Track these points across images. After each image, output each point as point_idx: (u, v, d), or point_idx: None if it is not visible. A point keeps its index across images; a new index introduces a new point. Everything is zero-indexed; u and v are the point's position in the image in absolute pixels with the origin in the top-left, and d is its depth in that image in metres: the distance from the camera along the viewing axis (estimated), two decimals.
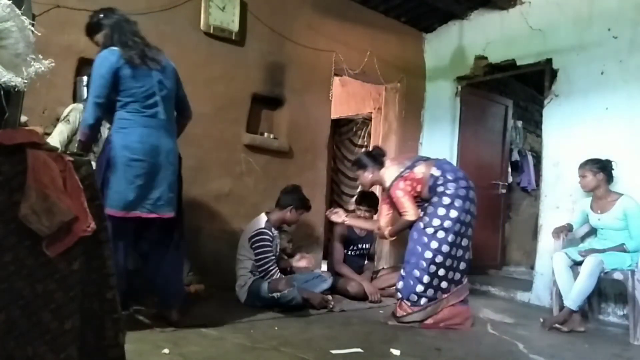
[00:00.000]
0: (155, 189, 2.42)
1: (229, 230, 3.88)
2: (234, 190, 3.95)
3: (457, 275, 3.09)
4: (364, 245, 4.12)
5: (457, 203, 3.01)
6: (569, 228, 3.65)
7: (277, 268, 3.33)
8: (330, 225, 4.89)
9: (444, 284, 3.04)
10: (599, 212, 3.48)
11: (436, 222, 3.00)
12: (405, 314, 3.04)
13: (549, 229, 3.89)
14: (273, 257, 3.33)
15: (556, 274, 3.44)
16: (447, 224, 2.99)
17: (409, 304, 3.03)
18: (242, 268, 3.36)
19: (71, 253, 1.27)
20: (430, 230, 3.00)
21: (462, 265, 3.10)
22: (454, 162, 5.02)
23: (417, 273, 3.01)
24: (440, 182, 3.08)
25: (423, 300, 3.01)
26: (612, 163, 3.49)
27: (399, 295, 3.09)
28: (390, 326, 3.04)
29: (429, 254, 2.98)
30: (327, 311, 3.29)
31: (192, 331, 2.52)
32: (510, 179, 6.10)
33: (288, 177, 4.28)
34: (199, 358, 2.13)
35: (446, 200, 3.02)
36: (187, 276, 3.63)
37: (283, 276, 3.34)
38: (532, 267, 4.42)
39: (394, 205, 3.22)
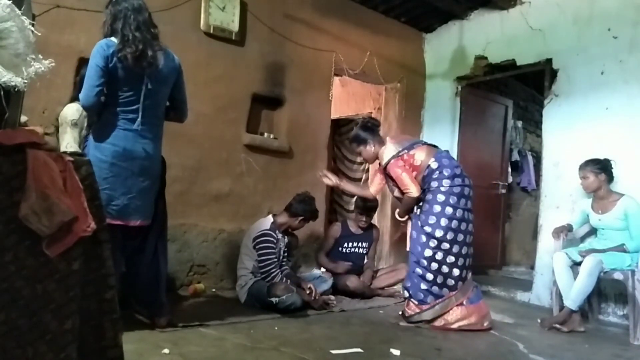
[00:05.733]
0: (123, 195, 2.32)
1: (228, 230, 3.88)
2: (234, 190, 3.94)
3: (464, 272, 3.06)
4: (360, 243, 4.12)
5: (452, 200, 3.00)
6: (569, 228, 3.65)
7: (279, 271, 3.32)
8: (329, 225, 4.90)
9: (450, 282, 3.01)
10: (599, 212, 3.48)
11: (432, 219, 3.00)
12: (413, 313, 3.03)
13: (549, 229, 3.89)
14: (276, 260, 3.32)
15: (556, 274, 3.44)
16: (443, 221, 2.98)
17: (416, 302, 3.02)
18: (243, 268, 3.36)
19: (71, 253, 1.27)
20: (427, 229, 3.00)
21: (466, 262, 3.06)
22: None
23: (419, 271, 3.01)
24: (435, 175, 3.06)
25: (430, 298, 2.99)
26: (612, 162, 3.49)
27: (407, 294, 3.07)
28: (390, 326, 3.04)
29: (428, 252, 2.99)
30: (327, 311, 3.29)
31: (192, 331, 2.52)
32: (510, 179, 6.09)
33: (288, 177, 4.28)
34: (199, 358, 2.12)
35: (440, 197, 3.01)
36: (188, 276, 3.65)
37: (284, 279, 3.33)
38: (532, 267, 4.42)
39: (388, 179, 3.23)
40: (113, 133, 2.32)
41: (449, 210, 2.99)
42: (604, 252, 3.30)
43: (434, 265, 2.99)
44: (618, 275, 3.27)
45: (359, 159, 6.06)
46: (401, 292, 3.74)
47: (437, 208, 3.00)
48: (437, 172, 3.07)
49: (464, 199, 3.05)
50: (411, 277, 3.06)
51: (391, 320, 3.18)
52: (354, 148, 3.48)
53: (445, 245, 2.99)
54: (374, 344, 2.57)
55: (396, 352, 2.42)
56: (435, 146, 3.32)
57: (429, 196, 3.06)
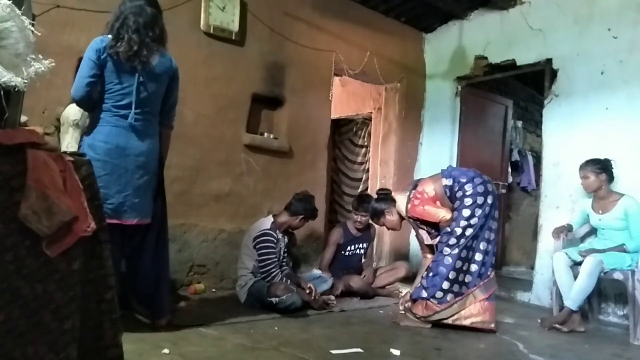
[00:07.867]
0: (117, 193, 2.29)
1: (229, 230, 3.88)
2: (234, 190, 3.94)
3: (483, 269, 3.04)
4: (361, 244, 4.12)
5: (480, 200, 3.01)
6: (569, 228, 3.65)
7: (279, 271, 3.32)
8: (330, 226, 4.90)
9: (467, 278, 3.01)
10: (600, 212, 3.48)
11: (463, 223, 2.99)
12: (432, 312, 3.01)
13: (549, 229, 3.89)
14: (276, 260, 3.32)
15: (556, 274, 3.45)
16: (473, 221, 2.99)
17: (435, 302, 3.00)
18: (243, 268, 3.36)
19: (71, 253, 1.27)
20: (458, 231, 2.99)
21: (484, 258, 3.04)
22: (454, 163, 5.03)
23: (443, 270, 2.99)
24: (456, 188, 3.09)
25: (449, 296, 2.98)
26: (612, 162, 3.49)
27: (424, 294, 3.03)
28: (390, 326, 3.04)
29: (455, 250, 2.98)
30: (327, 311, 3.29)
31: (192, 331, 2.52)
32: (510, 179, 6.09)
33: (288, 177, 4.28)
34: (199, 358, 2.13)
35: (468, 201, 3.02)
36: (188, 276, 3.65)
37: (284, 279, 3.32)
38: (532, 267, 4.42)
39: (417, 227, 3.26)
40: (105, 130, 2.31)
41: (478, 211, 2.99)
42: (604, 252, 3.30)
43: (459, 263, 2.98)
44: (618, 275, 3.27)
45: (359, 159, 6.08)
46: (402, 291, 3.74)
47: (467, 212, 3.00)
48: (456, 184, 3.09)
49: (490, 195, 3.05)
50: (432, 279, 3.02)
51: (391, 320, 3.18)
52: (376, 222, 3.63)
53: (471, 242, 2.99)
54: (374, 344, 2.57)
55: (396, 352, 2.42)
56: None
57: (457, 203, 3.07)
